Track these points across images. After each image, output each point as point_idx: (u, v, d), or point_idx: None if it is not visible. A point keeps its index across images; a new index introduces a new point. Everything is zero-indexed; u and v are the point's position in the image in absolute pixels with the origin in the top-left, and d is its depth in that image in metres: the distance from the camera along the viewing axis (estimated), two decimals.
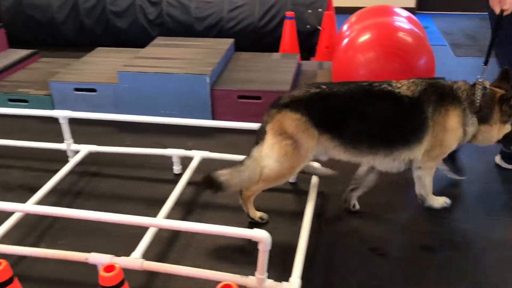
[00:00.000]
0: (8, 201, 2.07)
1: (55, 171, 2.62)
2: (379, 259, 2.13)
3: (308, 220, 2.16)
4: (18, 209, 2.08)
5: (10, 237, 2.16)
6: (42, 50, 4.46)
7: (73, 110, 2.85)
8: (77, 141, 2.88)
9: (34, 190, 2.45)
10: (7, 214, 2.18)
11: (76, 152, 2.85)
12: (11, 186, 2.72)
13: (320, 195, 2.51)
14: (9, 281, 1.37)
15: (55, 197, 2.56)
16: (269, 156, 2.16)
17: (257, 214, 2.36)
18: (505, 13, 2.20)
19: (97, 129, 3.26)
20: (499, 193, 2.60)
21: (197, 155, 2.71)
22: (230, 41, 3.95)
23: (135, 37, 4.72)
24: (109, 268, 1.34)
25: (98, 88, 3.45)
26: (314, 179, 2.51)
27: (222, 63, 3.62)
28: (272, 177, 2.21)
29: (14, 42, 4.47)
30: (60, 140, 2.89)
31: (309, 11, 4.37)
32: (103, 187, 2.70)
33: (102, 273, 1.32)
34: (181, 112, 3.31)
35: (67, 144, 2.86)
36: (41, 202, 2.34)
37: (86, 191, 2.66)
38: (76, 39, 4.88)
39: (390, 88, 2.16)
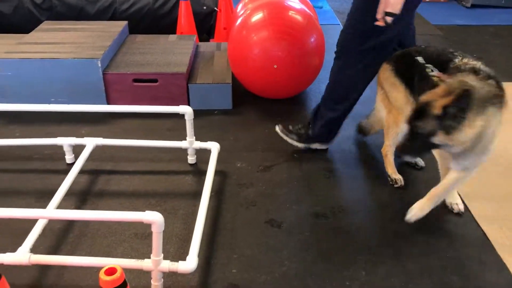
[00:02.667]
0: None
1: None
2: (275, 229, 2.21)
3: (205, 198, 2.17)
4: None
5: None
6: None
7: None
8: None
9: None
10: None
11: None
12: None
13: (218, 173, 2.55)
14: None
15: None
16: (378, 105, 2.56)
17: (394, 175, 2.52)
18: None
19: None
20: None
21: (90, 143, 2.61)
22: (123, 23, 3.81)
23: (21, 23, 4.37)
24: None
25: None
26: (212, 158, 2.51)
27: (114, 46, 3.49)
28: (386, 126, 2.50)
29: None
30: None
31: None
32: None
33: None
34: (74, 99, 3.16)
35: None
36: None
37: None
38: None
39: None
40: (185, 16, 4.11)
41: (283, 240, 2.15)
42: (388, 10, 2.06)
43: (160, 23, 4.33)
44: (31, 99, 3.07)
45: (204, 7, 4.33)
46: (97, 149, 2.63)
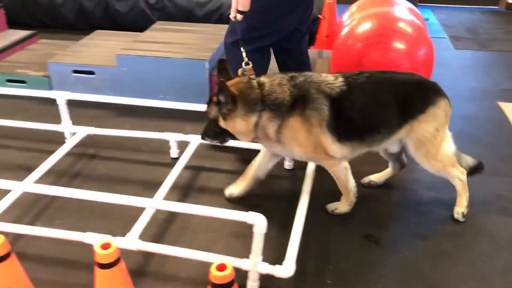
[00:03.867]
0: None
1: (53, 152, 2.63)
2: (372, 246, 2.16)
3: (303, 205, 2.18)
4: (16, 187, 2.10)
5: (7, 216, 2.18)
6: (41, 32, 4.44)
7: (72, 92, 2.85)
8: (75, 123, 2.88)
9: (31, 170, 2.46)
10: (4, 193, 2.19)
11: (73, 133, 2.85)
12: (8, 166, 2.72)
13: (316, 181, 2.53)
14: (6, 256, 1.39)
15: (52, 178, 2.57)
16: None
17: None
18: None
19: (96, 112, 3.27)
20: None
21: (194, 140, 2.72)
22: None
23: (135, 21, 4.70)
24: (105, 246, 1.35)
25: (96, 70, 3.44)
26: (310, 166, 2.51)
27: (221, 49, 3.60)
28: None
29: (13, 23, 4.44)
30: (59, 121, 2.89)
31: None
32: (101, 169, 2.71)
33: (98, 250, 1.34)
34: (180, 96, 3.30)
35: (65, 126, 2.86)
36: (38, 182, 2.35)
37: (84, 172, 2.67)
38: (75, 22, 4.86)
39: None
40: None
41: (380, 257, 2.10)
42: (240, 8, 2.38)
43: None
44: (142, 94, 3.25)
45: None
46: (200, 146, 2.73)
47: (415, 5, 3.91)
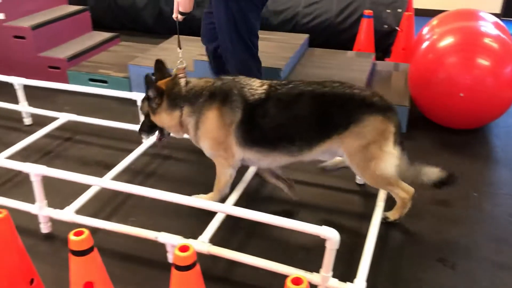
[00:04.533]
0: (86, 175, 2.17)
1: (130, 151, 2.73)
2: (448, 271, 2.06)
3: (376, 223, 2.12)
4: (96, 183, 2.19)
5: (85, 210, 2.28)
6: (122, 34, 4.65)
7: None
8: None
9: (109, 167, 2.57)
10: (84, 187, 2.30)
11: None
12: (88, 161, 2.86)
13: (387, 198, 2.46)
14: (90, 249, 1.45)
15: (128, 176, 2.67)
16: None
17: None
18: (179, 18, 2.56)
19: None
20: None
21: None
22: (305, 36, 3.93)
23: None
24: (183, 248, 1.38)
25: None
26: None
27: (295, 58, 3.61)
28: None
29: (97, 25, 4.68)
30: (137, 121, 3.00)
31: (388, 10, 4.26)
32: (174, 170, 2.78)
33: (176, 252, 1.37)
34: None
35: None
36: (115, 179, 2.45)
37: (158, 172, 2.76)
38: (154, 26, 5.04)
39: None
40: (365, 33, 4.08)
41: (456, 284, 1.99)
42: (181, 9, 2.53)
43: (339, 37, 4.37)
44: None
45: (385, 26, 4.25)
46: None
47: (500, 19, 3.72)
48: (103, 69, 3.84)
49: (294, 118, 2.11)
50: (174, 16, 2.56)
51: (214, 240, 2.11)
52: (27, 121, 3.25)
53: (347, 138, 2.08)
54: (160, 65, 2.30)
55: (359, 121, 2.05)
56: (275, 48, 3.66)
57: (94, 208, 2.40)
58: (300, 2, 4.48)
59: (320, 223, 1.77)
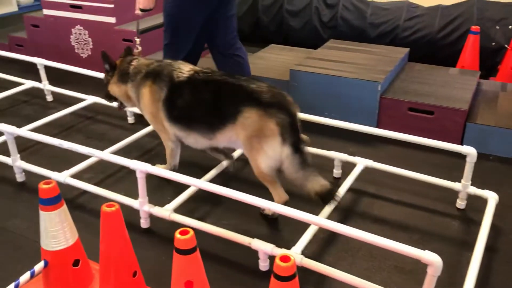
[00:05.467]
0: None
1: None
2: None
3: (479, 253, 1.98)
4: (195, 184, 2.26)
5: (181, 209, 2.36)
6: None
7: None
8: None
9: (203, 168, 2.64)
10: (183, 187, 2.38)
11: None
12: (185, 162, 2.96)
13: (492, 226, 2.30)
14: (193, 249, 1.49)
15: (221, 180, 2.72)
16: None
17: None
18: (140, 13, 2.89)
19: None
20: None
21: (361, 163, 2.67)
22: (405, 50, 3.81)
23: (306, 37, 4.82)
24: (285, 258, 1.38)
25: (268, 83, 3.58)
26: (489, 209, 2.29)
27: (394, 72, 3.51)
28: None
29: None
30: None
31: (497, 27, 4.02)
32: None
33: (278, 262, 1.37)
34: (346, 116, 3.27)
35: None
36: (211, 181, 2.52)
37: (251, 178, 2.78)
38: (250, 34, 5.14)
39: None
40: (470, 49, 3.88)
41: None
42: (140, 7, 2.85)
43: (440, 53, 4.20)
44: (308, 109, 3.28)
45: (493, 43, 4.01)
46: (365, 170, 2.67)
47: None
48: None
49: (198, 102, 2.35)
50: (135, 12, 2.91)
51: (306, 252, 2.10)
52: (131, 120, 3.45)
53: (237, 128, 2.25)
54: (128, 51, 2.70)
55: (243, 112, 2.20)
56: (374, 60, 3.59)
57: (189, 207, 2.47)
58: (401, 16, 4.36)
59: (416, 246, 1.69)
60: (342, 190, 2.44)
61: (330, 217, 2.31)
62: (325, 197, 2.18)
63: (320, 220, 1.99)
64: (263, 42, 5.00)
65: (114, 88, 2.63)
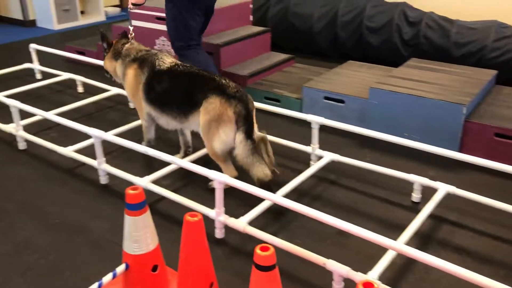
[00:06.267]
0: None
1: (297, 171, 2.79)
2: None
3: None
4: (270, 198, 2.26)
5: (255, 223, 2.36)
6: (296, 56, 4.80)
7: (319, 116, 2.98)
8: (320, 146, 3.01)
9: (277, 183, 2.64)
10: (251, 198, 2.39)
11: (319, 157, 2.98)
12: None
13: None
14: (273, 266, 1.48)
15: (294, 196, 2.71)
16: None
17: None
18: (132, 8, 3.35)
19: (339, 139, 3.35)
20: None
21: (443, 189, 2.55)
22: (493, 72, 3.63)
23: (385, 54, 4.72)
24: (368, 285, 1.33)
25: (346, 100, 3.54)
26: None
27: (480, 95, 3.34)
28: None
29: (274, 46, 4.91)
30: (305, 142, 3.06)
31: None
32: (340, 196, 2.76)
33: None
34: (426, 138, 3.16)
35: (312, 148, 3.00)
36: (284, 197, 2.50)
37: (324, 197, 2.76)
38: (327, 50, 5.12)
39: None
40: None
41: None
42: (133, 1, 3.27)
43: None
44: (387, 129, 3.21)
45: None
46: (447, 197, 2.55)
47: None
48: (278, 88, 4.00)
49: (174, 88, 2.73)
50: (128, 6, 3.32)
51: (382, 279, 2.03)
52: None
53: (201, 113, 2.59)
54: (124, 34, 3.10)
55: (209, 99, 2.56)
56: (458, 82, 3.44)
57: (263, 222, 2.48)
58: (489, 36, 4.15)
59: (502, 281, 1.58)
60: (422, 216, 2.34)
61: (409, 243, 2.22)
62: (264, 185, 2.52)
63: (400, 246, 1.91)
64: (340, 57, 4.96)
65: (107, 63, 3.08)
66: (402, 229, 2.26)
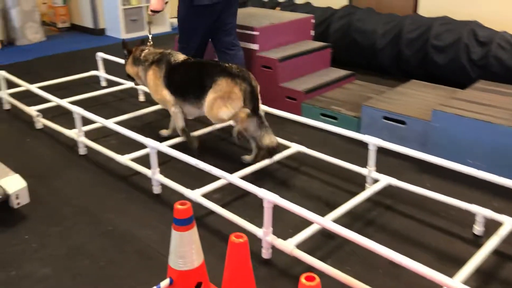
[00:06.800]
0: (306, 209, 2.16)
1: (351, 193, 2.70)
2: None
3: None
4: (320, 222, 2.18)
5: (304, 246, 2.29)
6: (357, 73, 4.69)
7: (377, 137, 2.86)
8: (377, 169, 2.89)
9: (329, 205, 2.56)
10: (300, 220, 2.32)
11: (375, 180, 2.86)
12: (310, 195, 2.91)
13: None
14: None
15: (347, 219, 2.61)
16: None
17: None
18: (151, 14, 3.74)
19: (398, 162, 3.21)
20: None
21: (509, 223, 2.37)
22: None
23: (451, 75, 4.51)
24: None
25: (407, 121, 3.40)
26: None
27: None
28: None
29: (334, 62, 4.82)
30: (361, 163, 2.95)
31: None
32: (395, 223, 2.63)
33: None
34: (491, 166, 2.95)
35: (369, 171, 2.89)
36: (336, 220, 2.42)
37: (378, 222, 2.64)
38: (390, 67, 4.97)
39: None
40: None
41: None
42: (152, 8, 3.66)
43: None
44: (449, 154, 3.03)
45: None
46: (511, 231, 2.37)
47: None
48: (335, 105, 3.91)
49: (188, 77, 3.16)
50: (148, 13, 3.71)
51: None
52: None
53: (210, 92, 3.00)
54: (142, 42, 3.57)
55: (217, 80, 2.98)
56: None
57: (310, 245, 2.40)
58: None
59: None
60: (484, 252, 2.18)
61: (468, 281, 2.07)
62: (272, 150, 3.01)
63: (457, 285, 1.78)
64: (402, 76, 4.79)
65: (129, 68, 3.49)
66: (461, 264, 2.11)
